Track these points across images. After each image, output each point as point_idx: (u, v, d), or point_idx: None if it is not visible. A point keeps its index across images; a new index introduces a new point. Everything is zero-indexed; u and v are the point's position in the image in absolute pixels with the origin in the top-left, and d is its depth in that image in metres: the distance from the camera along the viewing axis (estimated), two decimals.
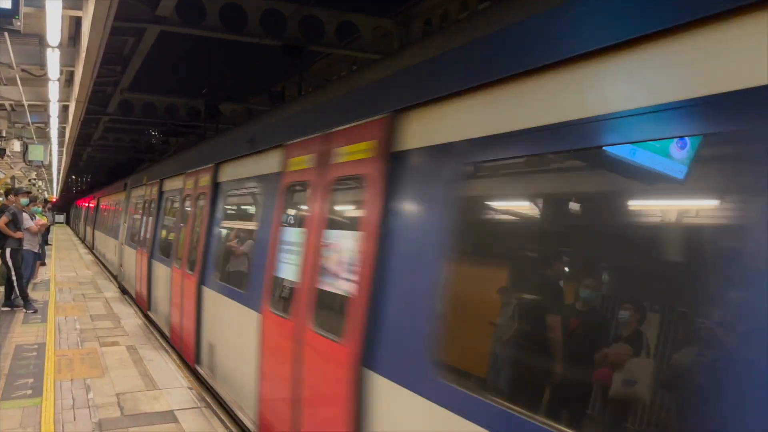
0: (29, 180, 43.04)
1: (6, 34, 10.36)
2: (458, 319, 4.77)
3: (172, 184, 15.50)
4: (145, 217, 18.68)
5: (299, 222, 7.77)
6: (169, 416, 8.61)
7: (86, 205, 49.03)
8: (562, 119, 4.04)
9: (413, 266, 5.16)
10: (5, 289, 15.79)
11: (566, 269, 4.84)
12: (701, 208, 4.02)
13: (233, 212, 11.62)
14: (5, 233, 15.15)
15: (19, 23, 8.92)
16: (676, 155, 3.82)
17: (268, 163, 8.68)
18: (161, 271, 15.13)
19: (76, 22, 12.40)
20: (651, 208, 4.46)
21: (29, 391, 9.24)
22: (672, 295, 4.15)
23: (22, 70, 13.71)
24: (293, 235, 7.68)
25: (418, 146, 5.46)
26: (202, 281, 11.27)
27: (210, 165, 11.72)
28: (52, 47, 11.73)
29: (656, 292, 4.32)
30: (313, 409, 6.51)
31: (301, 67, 21.00)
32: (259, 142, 9.10)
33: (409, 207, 5.48)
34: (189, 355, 11.71)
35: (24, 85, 14.98)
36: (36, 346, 11.80)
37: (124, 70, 24.32)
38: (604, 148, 3.85)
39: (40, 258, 20.19)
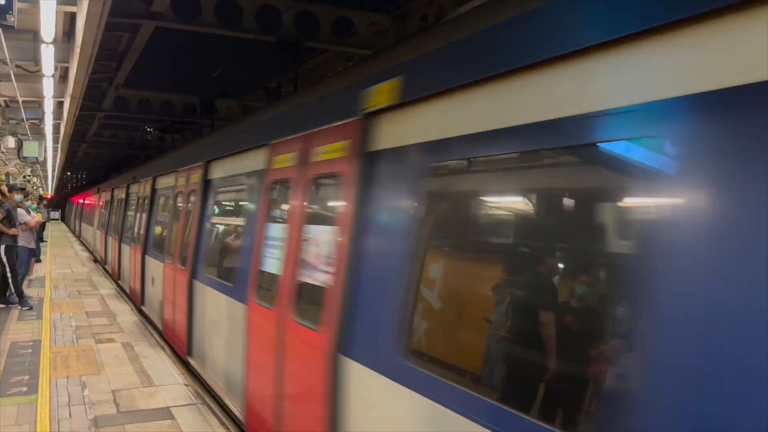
0: (24, 176, 43.15)
1: (0, 29, 10.41)
2: None
3: (134, 188, 21.03)
4: (105, 211, 29.36)
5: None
6: (165, 413, 8.62)
7: (77, 201, 59.37)
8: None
9: None
10: (0, 285, 15.81)
11: None
12: None
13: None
14: (0, 230, 15.18)
15: (12, 19, 9.00)
16: None
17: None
18: (110, 240, 23.89)
19: (71, 18, 12.45)
20: None
21: (24, 389, 9.27)
22: None
23: (17, 66, 13.77)
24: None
25: None
26: (342, 349, 5.86)
27: (348, 119, 6.25)
28: (47, 43, 11.79)
29: None
30: None
31: (296, 63, 21.05)
32: None
33: None
34: None
35: (18, 81, 15.03)
36: (31, 344, 11.82)
37: (120, 66, 24.37)
38: None
39: (35, 255, 20.23)
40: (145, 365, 10.78)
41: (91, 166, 79.01)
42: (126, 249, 20.57)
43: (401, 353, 5.05)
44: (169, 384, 9.79)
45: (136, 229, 19.12)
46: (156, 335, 13.35)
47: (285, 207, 7.99)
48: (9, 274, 15.42)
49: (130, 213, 21.19)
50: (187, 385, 9.75)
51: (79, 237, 49.69)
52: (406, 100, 5.52)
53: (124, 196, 23.18)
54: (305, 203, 7.29)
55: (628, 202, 4.12)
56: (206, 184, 11.45)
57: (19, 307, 15.42)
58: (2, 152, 22.67)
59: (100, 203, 33.45)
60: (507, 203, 5.32)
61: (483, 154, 4.85)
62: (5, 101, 18.36)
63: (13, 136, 20.11)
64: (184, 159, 13.65)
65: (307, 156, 7.34)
